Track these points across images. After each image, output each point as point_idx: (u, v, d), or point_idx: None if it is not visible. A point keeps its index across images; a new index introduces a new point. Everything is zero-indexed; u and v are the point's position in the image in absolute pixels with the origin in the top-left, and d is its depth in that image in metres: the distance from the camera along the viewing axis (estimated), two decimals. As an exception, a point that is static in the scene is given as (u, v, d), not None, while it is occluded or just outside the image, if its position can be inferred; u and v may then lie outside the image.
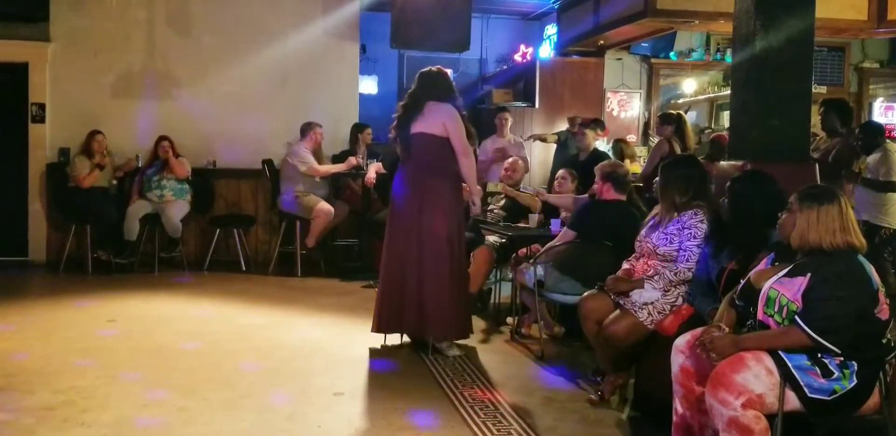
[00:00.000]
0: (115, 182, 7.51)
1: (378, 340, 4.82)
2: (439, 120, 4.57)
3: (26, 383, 3.89)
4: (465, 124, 4.66)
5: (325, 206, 7.18)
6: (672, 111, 7.61)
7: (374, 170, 7.24)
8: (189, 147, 7.64)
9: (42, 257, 7.65)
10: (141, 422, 3.39)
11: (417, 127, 4.60)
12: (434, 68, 4.78)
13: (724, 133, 7.35)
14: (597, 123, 7.74)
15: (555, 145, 8.35)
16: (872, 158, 5.50)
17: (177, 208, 7.25)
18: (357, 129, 7.91)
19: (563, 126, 8.68)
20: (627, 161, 7.88)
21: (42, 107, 7.66)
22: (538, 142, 8.76)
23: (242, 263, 7.55)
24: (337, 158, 7.72)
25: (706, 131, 8.82)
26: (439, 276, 4.55)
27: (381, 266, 4.80)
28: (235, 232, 7.64)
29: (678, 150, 6.59)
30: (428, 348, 4.60)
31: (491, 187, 6.46)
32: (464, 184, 4.76)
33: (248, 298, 6.18)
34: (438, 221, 4.56)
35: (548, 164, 8.94)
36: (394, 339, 4.86)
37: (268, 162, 7.64)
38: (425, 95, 4.65)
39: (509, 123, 7.95)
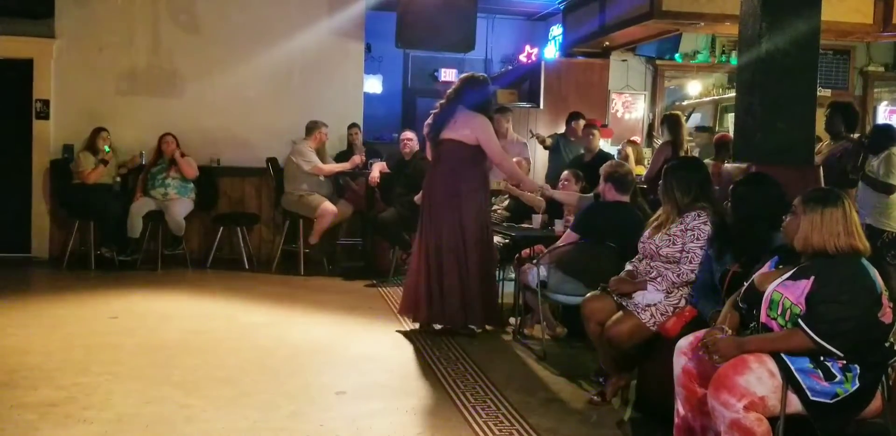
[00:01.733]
0: (118, 179, 7.52)
1: (382, 335, 5.00)
2: (474, 132, 4.87)
3: (28, 379, 3.90)
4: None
5: (329, 206, 7.18)
6: (669, 112, 7.68)
7: (377, 169, 7.25)
8: (193, 145, 7.65)
9: (45, 254, 7.67)
10: (143, 419, 3.40)
11: (447, 134, 4.90)
12: (476, 75, 5.09)
13: (725, 133, 7.40)
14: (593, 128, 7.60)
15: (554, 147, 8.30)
16: (877, 160, 5.51)
17: (180, 206, 7.26)
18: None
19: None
20: (633, 162, 7.88)
21: (46, 103, 7.68)
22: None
23: (245, 261, 7.56)
24: (337, 159, 7.73)
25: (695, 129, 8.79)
26: (480, 267, 4.94)
27: (413, 260, 5.09)
28: (239, 230, 7.66)
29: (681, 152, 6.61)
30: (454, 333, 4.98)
31: (494, 185, 6.45)
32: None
33: (250, 296, 6.19)
34: (471, 217, 4.91)
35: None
36: (400, 335, 4.88)
37: (272, 160, 7.65)
38: (458, 100, 4.94)
39: (510, 123, 7.91)
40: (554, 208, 5.67)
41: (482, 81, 5.04)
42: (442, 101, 5.06)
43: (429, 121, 5.08)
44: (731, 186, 3.38)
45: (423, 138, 5.42)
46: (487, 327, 5.12)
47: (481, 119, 4.92)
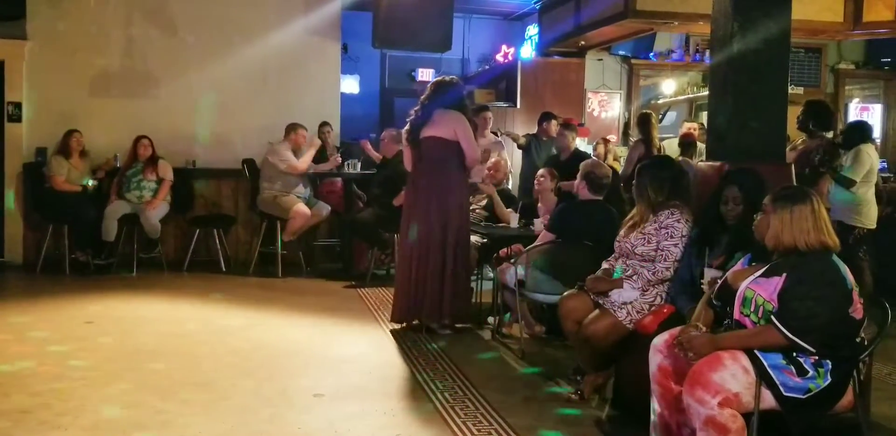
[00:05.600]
0: (94, 183, 7.42)
1: (360, 336, 5.01)
2: (451, 126, 5.00)
3: (1, 385, 3.85)
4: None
5: (302, 208, 7.15)
6: (641, 111, 7.75)
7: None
8: (169, 147, 7.59)
9: (19, 258, 7.57)
10: (119, 424, 3.36)
11: (427, 132, 5.02)
12: (448, 78, 5.24)
13: (690, 130, 7.50)
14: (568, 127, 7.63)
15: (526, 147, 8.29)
16: (847, 156, 5.59)
17: (156, 209, 7.19)
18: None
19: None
20: (611, 159, 7.94)
21: (18, 106, 7.57)
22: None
23: (222, 263, 7.50)
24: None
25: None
26: (462, 262, 5.04)
27: (399, 257, 5.21)
28: (215, 232, 7.60)
29: (654, 150, 6.68)
30: (429, 331, 5.06)
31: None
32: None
33: (228, 298, 6.15)
34: (454, 213, 5.02)
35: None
36: (379, 336, 4.88)
37: (248, 162, 7.60)
38: (435, 103, 5.06)
39: (490, 122, 7.91)
40: (529, 209, 5.70)
41: (453, 83, 5.18)
42: (416, 107, 5.16)
43: (407, 127, 5.17)
44: (734, 186, 3.33)
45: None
46: (458, 326, 5.15)
47: (457, 114, 5.08)
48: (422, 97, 5.18)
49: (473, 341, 5.00)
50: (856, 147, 5.56)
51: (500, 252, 5.28)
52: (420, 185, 5.09)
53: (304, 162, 7.30)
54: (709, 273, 3.20)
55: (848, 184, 5.51)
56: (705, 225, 3.44)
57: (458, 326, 5.15)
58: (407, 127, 5.18)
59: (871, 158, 5.58)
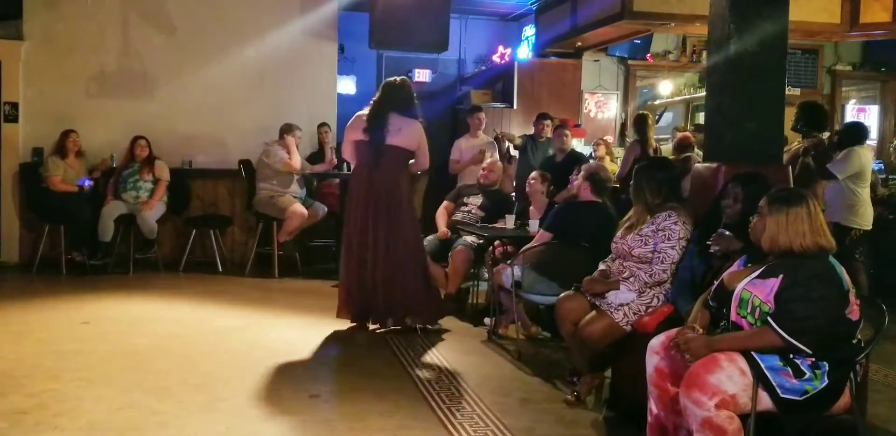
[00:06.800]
0: (90, 183, 7.41)
1: (356, 337, 5.01)
2: (414, 139, 5.13)
3: (-2, 386, 3.84)
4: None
5: (298, 208, 7.14)
6: (638, 112, 7.77)
7: None
8: (165, 147, 7.59)
9: (15, 258, 7.56)
10: (115, 426, 3.36)
11: (393, 140, 5.06)
12: (398, 79, 5.22)
13: (687, 133, 7.53)
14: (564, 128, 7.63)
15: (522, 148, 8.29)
16: (838, 155, 5.61)
17: (152, 209, 7.18)
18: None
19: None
20: (608, 160, 7.95)
21: (15, 106, 7.57)
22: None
23: (219, 264, 7.49)
24: (309, 160, 7.70)
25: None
26: (415, 263, 5.11)
27: (346, 258, 5.17)
28: (212, 233, 7.59)
29: (650, 151, 6.68)
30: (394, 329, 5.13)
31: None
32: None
33: (224, 299, 6.14)
34: (407, 214, 5.12)
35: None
36: (375, 336, 4.87)
37: (244, 162, 7.59)
38: (388, 106, 5.08)
39: (484, 123, 7.90)
40: (525, 210, 5.71)
41: (404, 85, 5.16)
42: (371, 108, 5.12)
43: (363, 125, 5.09)
44: (736, 187, 3.30)
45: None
46: (430, 327, 5.18)
47: (419, 126, 5.17)
48: (374, 99, 5.16)
49: (469, 343, 5.00)
50: (849, 148, 5.57)
51: (496, 248, 5.27)
52: (381, 187, 5.03)
53: (297, 160, 7.30)
54: (721, 230, 3.21)
55: (827, 176, 5.54)
56: (707, 224, 3.44)
57: (421, 326, 5.15)
58: (364, 125, 5.07)
59: (861, 159, 5.59)
